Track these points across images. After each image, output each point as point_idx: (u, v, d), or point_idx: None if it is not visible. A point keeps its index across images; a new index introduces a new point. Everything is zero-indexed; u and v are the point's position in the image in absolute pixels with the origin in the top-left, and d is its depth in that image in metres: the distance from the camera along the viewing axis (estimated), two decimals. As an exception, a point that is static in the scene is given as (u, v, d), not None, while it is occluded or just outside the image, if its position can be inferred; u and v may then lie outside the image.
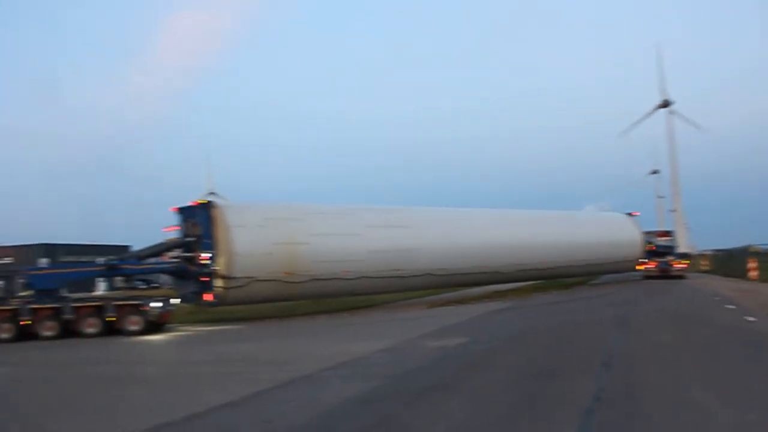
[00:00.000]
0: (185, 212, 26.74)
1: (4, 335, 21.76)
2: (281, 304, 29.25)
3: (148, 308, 23.00)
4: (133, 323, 22.70)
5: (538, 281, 40.53)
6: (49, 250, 72.80)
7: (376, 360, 14.22)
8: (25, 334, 21.89)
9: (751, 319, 18.45)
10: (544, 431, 7.59)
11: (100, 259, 25.92)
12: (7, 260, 72.63)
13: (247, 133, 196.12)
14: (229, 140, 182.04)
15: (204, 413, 9.33)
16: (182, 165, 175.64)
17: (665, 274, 44.06)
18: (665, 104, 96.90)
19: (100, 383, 12.96)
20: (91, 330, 22.32)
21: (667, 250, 47.00)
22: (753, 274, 37.94)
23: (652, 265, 45.52)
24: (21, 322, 21.93)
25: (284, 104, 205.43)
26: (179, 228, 26.80)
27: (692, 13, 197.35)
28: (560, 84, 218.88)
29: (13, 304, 22.47)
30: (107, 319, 22.55)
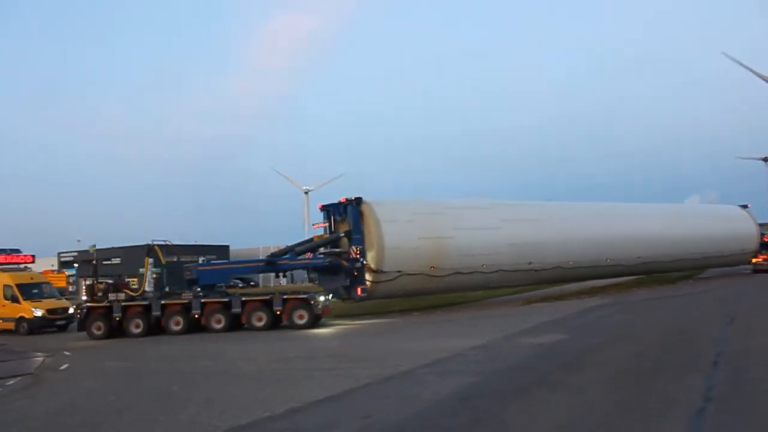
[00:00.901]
0: (331, 209, 27.65)
1: (176, 327, 23.48)
2: (374, 301, 29.57)
3: (315, 302, 23.92)
4: (300, 317, 23.59)
5: (640, 276, 39.36)
6: (153, 250, 76.22)
7: (473, 357, 14.14)
8: (196, 327, 23.57)
9: None
10: (651, 431, 7.29)
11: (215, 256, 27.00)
12: (115, 261, 76.86)
13: (333, 135, 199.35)
14: (314, 143, 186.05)
15: (302, 407, 9.58)
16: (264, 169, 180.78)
17: None
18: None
19: (215, 377, 13.48)
20: (259, 324, 23.48)
21: None
22: None
23: (761, 259, 43.90)
24: (193, 316, 23.55)
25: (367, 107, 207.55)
26: (327, 224, 27.75)
27: None
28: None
29: (185, 298, 24.30)
30: (275, 312, 23.63)
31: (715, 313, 20.21)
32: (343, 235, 26.46)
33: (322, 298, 24.32)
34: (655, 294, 31.33)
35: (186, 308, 23.79)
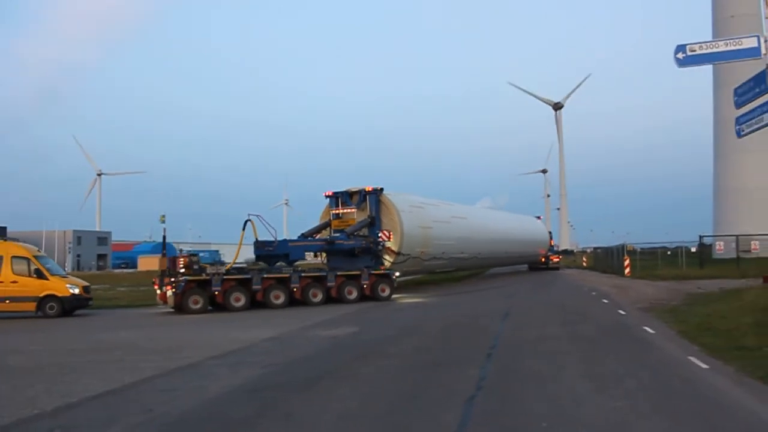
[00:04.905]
0: (341, 196, 30.28)
1: (276, 301, 24.04)
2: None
3: (395, 277, 27.34)
4: (383, 290, 26.41)
5: (429, 274, 42.35)
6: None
7: (266, 348, 14.12)
8: (297, 302, 24.52)
9: (622, 312, 19.66)
10: (427, 418, 7.74)
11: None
12: None
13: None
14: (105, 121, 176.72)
15: (77, 403, 8.94)
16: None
17: (545, 266, 55.56)
18: (557, 106, 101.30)
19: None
20: (350, 297, 25.52)
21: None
22: (627, 271, 40.36)
23: (542, 260, 56.08)
24: (291, 289, 24.37)
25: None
26: (337, 211, 30.13)
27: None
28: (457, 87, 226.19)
29: (285, 272, 24.88)
30: (363, 286, 25.79)
31: (494, 309, 21.94)
32: (369, 220, 28.97)
33: (397, 274, 27.79)
34: (443, 291, 33.45)
35: (284, 282, 24.38)
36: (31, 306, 22.62)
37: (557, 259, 58.81)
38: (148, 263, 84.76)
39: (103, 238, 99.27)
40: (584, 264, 65.03)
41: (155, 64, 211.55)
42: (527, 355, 12.22)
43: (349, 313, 21.74)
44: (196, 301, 23.00)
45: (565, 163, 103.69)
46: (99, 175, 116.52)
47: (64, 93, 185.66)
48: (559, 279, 42.80)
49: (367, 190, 29.64)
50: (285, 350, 13.92)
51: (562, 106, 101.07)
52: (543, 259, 55.81)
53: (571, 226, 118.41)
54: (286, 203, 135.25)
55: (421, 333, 16.31)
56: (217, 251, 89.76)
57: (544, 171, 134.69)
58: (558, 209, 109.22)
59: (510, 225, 50.69)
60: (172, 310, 23.51)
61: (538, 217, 62.54)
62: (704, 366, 10.60)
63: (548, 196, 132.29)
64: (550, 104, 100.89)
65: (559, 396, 8.68)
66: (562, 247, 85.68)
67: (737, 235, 43.00)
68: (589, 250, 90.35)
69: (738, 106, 14.18)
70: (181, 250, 26.33)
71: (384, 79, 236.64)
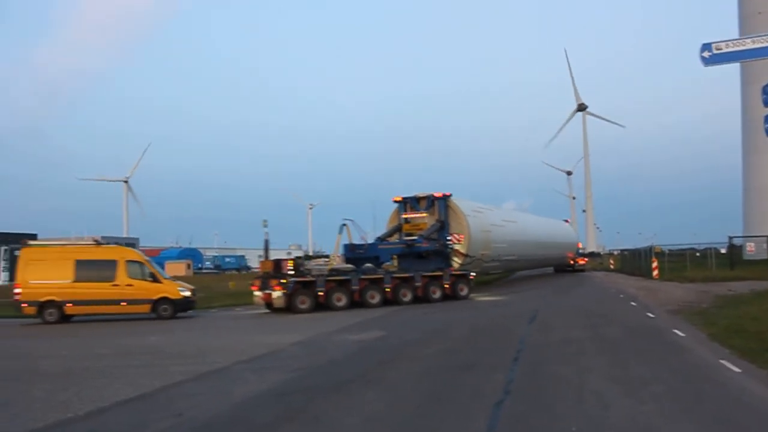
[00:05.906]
0: (409, 201, 31.83)
1: (372, 301, 25.46)
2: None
3: (472, 277, 28.98)
4: (462, 289, 28.14)
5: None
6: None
7: (293, 353, 14.17)
8: (389, 301, 25.68)
9: (651, 315, 19.40)
10: (455, 422, 7.71)
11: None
12: None
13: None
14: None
15: (109, 408, 9.04)
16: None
17: (571, 268, 56.26)
18: (581, 108, 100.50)
19: (15, 377, 12.03)
20: (435, 296, 27.03)
21: None
22: (655, 273, 39.89)
23: (571, 262, 56.67)
24: (385, 289, 25.77)
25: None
26: (405, 215, 31.46)
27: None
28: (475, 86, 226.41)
29: (380, 273, 26.37)
30: (444, 286, 27.29)
31: (521, 312, 21.78)
32: (439, 225, 30.34)
33: (473, 274, 29.35)
34: (489, 292, 33.43)
35: (377, 283, 25.82)
36: (146, 308, 23.44)
37: (584, 262, 59.46)
38: (175, 269, 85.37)
39: (130, 244, 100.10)
40: (611, 266, 64.41)
41: (171, 72, 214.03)
42: (555, 358, 12.11)
43: (373, 317, 21.73)
44: (303, 301, 24.26)
45: (590, 164, 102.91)
46: (125, 182, 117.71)
47: (80, 100, 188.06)
48: (586, 281, 42.57)
49: (435, 195, 31.16)
50: (312, 354, 13.96)
51: (586, 107, 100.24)
52: (572, 262, 56.60)
53: (598, 228, 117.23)
54: (310, 208, 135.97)
55: (448, 337, 16.23)
56: (243, 256, 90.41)
57: (569, 173, 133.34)
58: (584, 211, 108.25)
59: (546, 228, 52.46)
60: (268, 310, 24.59)
61: (566, 221, 65.21)
62: (736, 369, 10.42)
63: (573, 198, 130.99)
64: (575, 111, 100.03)
65: (588, 400, 8.60)
66: (589, 250, 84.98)
67: (768, 236, 42.25)
68: (616, 253, 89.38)
69: (767, 104, 13.94)
70: (289, 253, 27.48)
71: (384, 79, 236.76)
